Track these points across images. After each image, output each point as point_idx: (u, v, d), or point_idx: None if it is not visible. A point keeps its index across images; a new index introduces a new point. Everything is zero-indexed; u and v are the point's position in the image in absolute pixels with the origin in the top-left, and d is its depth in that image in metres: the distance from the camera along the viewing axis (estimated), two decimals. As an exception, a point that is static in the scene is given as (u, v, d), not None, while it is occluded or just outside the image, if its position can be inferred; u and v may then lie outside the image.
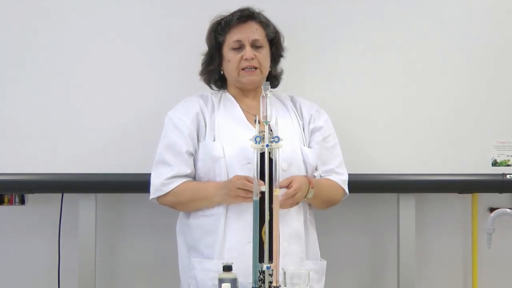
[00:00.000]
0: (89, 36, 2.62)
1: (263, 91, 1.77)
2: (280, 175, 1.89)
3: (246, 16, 2.28)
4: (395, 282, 2.76)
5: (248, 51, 2.23)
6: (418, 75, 2.70)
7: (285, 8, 2.63)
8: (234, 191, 2.07)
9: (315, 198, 2.18)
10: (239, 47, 2.25)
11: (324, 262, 2.27)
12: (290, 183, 2.10)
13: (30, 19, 2.61)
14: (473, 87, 2.71)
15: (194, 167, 2.23)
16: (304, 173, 2.21)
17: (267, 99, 1.79)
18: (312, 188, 2.14)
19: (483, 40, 2.71)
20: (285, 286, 1.78)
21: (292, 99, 2.37)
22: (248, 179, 2.05)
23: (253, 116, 2.23)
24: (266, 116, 1.79)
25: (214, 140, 2.21)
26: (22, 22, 2.61)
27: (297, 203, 2.14)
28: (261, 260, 1.77)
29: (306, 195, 2.14)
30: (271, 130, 1.89)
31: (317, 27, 2.68)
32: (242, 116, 2.27)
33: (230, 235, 2.13)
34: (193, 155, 2.23)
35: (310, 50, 2.66)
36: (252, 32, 2.26)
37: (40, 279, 2.77)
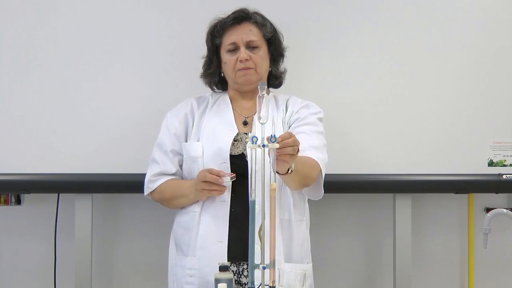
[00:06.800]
0: (87, 36, 2.63)
1: (259, 91, 1.76)
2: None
3: (240, 17, 2.27)
4: (391, 283, 2.76)
5: (243, 52, 2.23)
6: (415, 75, 2.70)
7: (285, 8, 2.63)
8: (200, 185, 2.10)
9: (295, 172, 1.96)
10: (235, 49, 2.25)
11: (310, 265, 2.23)
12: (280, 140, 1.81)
13: (29, 20, 2.62)
14: (469, 87, 2.71)
15: (181, 166, 2.27)
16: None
17: (263, 99, 1.77)
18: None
19: (480, 41, 2.71)
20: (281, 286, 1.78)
21: (288, 100, 2.33)
22: (210, 172, 2.07)
23: (243, 118, 2.24)
24: (260, 116, 1.77)
25: (198, 140, 2.23)
26: (21, 22, 2.62)
27: (296, 145, 1.87)
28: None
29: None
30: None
31: (316, 27, 2.68)
32: (230, 117, 2.27)
33: (202, 233, 2.15)
34: (180, 155, 2.26)
35: (307, 50, 2.66)
36: (246, 33, 2.25)
37: (36, 279, 2.77)
